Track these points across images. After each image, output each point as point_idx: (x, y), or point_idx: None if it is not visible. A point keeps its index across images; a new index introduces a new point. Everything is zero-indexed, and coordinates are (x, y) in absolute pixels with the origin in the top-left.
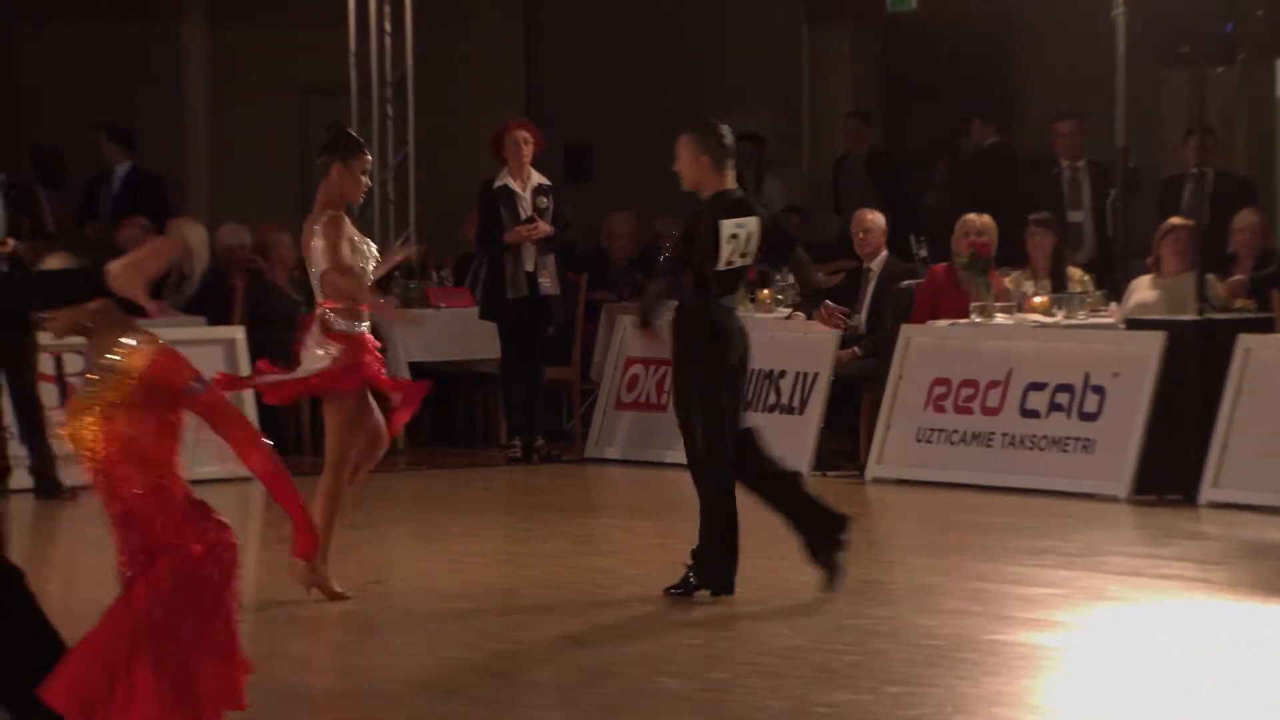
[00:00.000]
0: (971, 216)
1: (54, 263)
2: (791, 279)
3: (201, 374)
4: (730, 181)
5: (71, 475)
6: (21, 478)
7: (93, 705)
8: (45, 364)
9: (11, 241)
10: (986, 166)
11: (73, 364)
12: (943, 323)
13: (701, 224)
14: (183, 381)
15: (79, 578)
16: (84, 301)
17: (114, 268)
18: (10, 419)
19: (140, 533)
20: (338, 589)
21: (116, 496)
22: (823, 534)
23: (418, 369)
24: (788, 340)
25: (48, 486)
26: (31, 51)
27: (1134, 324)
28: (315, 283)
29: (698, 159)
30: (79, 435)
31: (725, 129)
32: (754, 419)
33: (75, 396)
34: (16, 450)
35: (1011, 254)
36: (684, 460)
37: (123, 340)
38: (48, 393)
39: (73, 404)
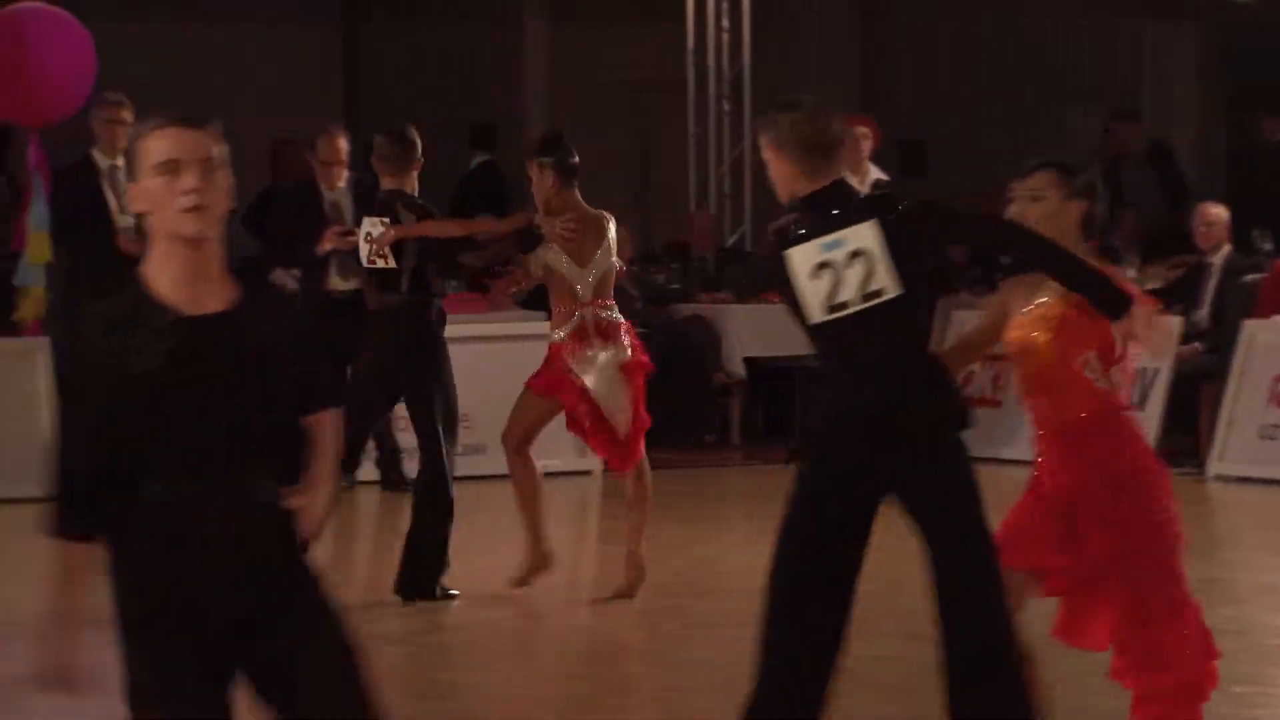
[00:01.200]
0: None
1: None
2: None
3: None
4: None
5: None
6: (368, 470)
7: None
8: None
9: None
10: (1272, 163)
11: None
12: None
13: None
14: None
15: None
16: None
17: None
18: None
19: (1093, 449)
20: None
21: (1064, 411)
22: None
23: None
24: None
25: (392, 479)
26: (379, 51)
27: None
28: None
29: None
30: (1029, 346)
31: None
32: None
33: (1026, 313)
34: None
35: None
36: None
37: None
38: None
39: (1021, 321)
